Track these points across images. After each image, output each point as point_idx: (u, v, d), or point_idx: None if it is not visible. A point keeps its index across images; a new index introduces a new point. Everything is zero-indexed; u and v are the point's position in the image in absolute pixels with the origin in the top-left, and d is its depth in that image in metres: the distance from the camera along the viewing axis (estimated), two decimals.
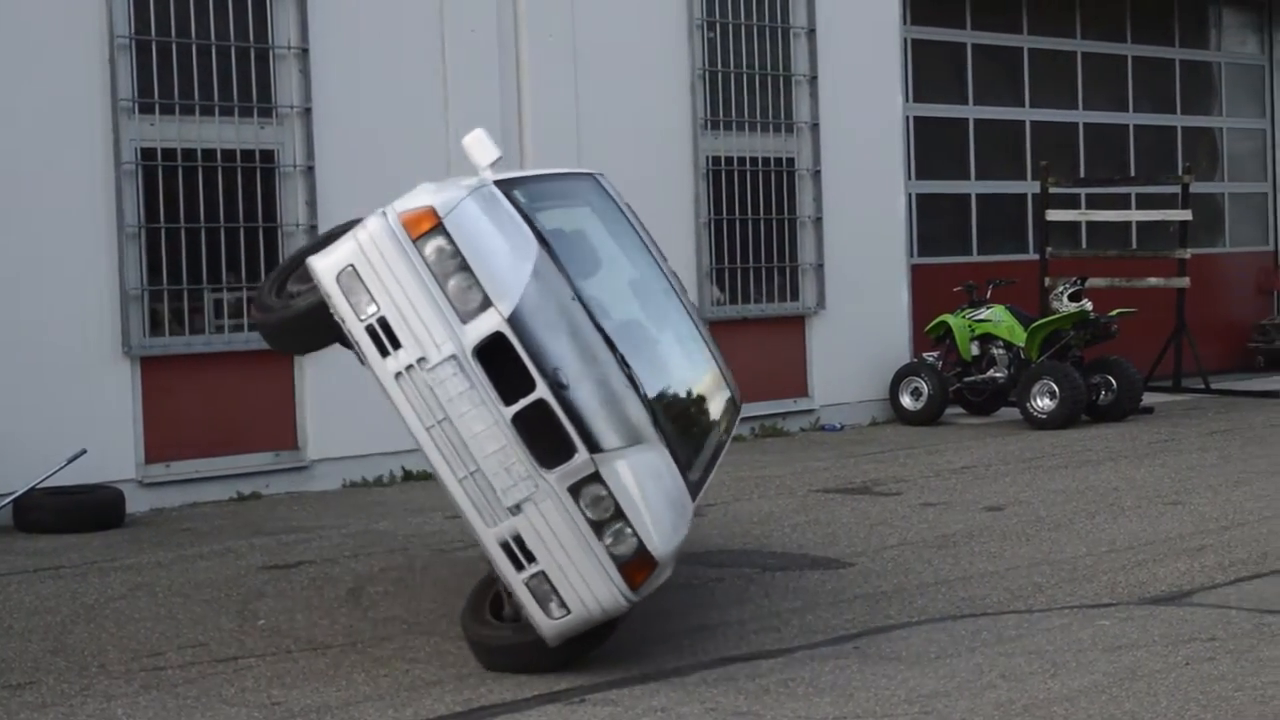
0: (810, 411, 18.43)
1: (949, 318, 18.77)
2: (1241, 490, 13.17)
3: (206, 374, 14.07)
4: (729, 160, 17.86)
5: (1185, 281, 20.29)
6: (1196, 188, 21.88)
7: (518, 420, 7.61)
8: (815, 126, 18.42)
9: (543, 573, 7.72)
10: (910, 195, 20.21)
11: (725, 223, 17.84)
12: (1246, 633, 8.47)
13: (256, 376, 14.23)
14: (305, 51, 14.49)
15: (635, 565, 7.76)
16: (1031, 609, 9.18)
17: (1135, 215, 22.14)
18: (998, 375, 18.50)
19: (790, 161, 18.40)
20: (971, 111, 21.53)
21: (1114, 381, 18.20)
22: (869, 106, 19.13)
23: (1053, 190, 20.40)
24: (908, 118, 20.16)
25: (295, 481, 14.37)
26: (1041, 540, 11.25)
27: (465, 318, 7.69)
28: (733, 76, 17.91)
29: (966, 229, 21.63)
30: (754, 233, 18.09)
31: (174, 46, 13.84)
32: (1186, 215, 20.55)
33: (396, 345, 7.69)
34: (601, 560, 7.72)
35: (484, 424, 7.67)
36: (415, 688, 7.86)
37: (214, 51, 14.15)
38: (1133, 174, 22.86)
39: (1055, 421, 17.56)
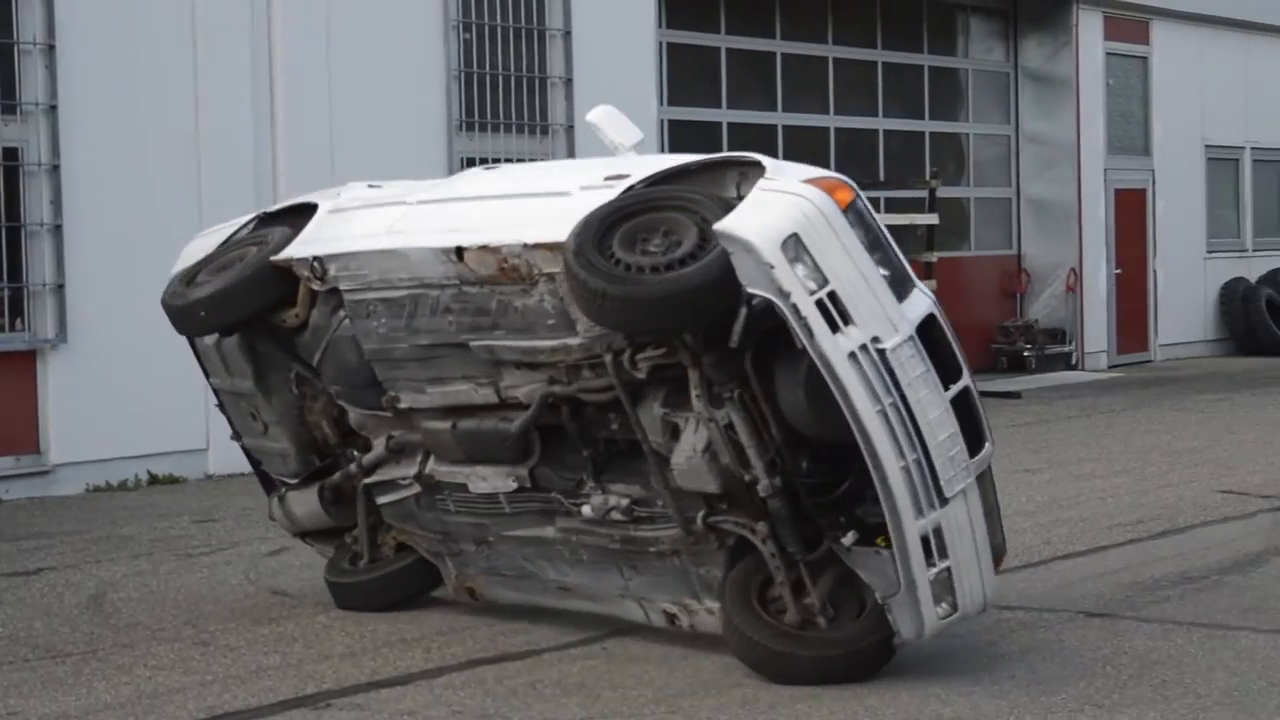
0: None
1: None
2: None
3: None
4: (483, 162, 17.77)
5: (932, 284, 20.64)
6: (943, 192, 22.29)
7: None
8: (570, 129, 18.44)
9: (949, 569, 7.36)
10: None
11: None
12: (986, 628, 8.57)
13: None
14: (51, 48, 14.19)
15: (997, 562, 7.71)
16: None
17: (884, 219, 22.34)
18: None
19: None
20: (725, 115, 21.72)
21: None
22: (624, 109, 18.80)
23: None
24: (662, 121, 20.28)
25: (36, 486, 14.05)
26: None
27: (899, 297, 7.40)
28: (489, 78, 17.88)
29: None
30: None
31: None
32: (933, 219, 20.90)
33: (848, 322, 7.19)
34: (985, 556, 7.55)
35: (938, 409, 7.32)
36: (157, 695, 7.74)
37: None
38: (882, 178, 23.21)
39: None
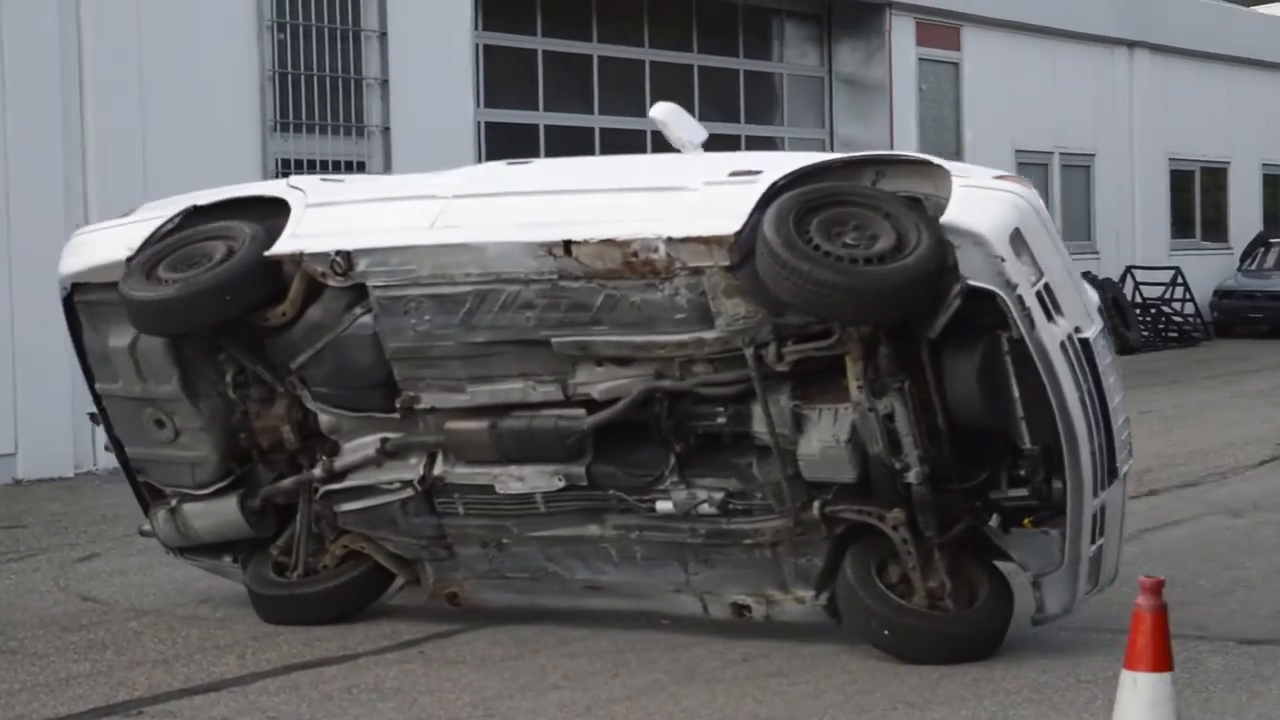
0: None
1: None
2: None
3: None
4: (299, 163, 17.63)
5: None
6: None
7: None
8: (387, 130, 18.35)
9: (1102, 547, 7.91)
10: None
11: None
12: (803, 629, 8.68)
13: None
14: None
15: None
16: (595, 611, 9.25)
17: None
18: None
19: (362, 165, 18.28)
20: (542, 118, 21.71)
21: None
22: (441, 111, 19.14)
23: None
24: (479, 123, 20.23)
25: None
26: None
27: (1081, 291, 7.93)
28: (304, 79, 17.73)
29: None
30: None
31: None
32: None
33: (1059, 312, 7.58)
34: (1121, 533, 8.27)
35: (1119, 395, 7.89)
36: None
37: None
38: None
39: None
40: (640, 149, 22.80)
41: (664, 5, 23.36)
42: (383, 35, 18.31)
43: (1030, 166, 28.67)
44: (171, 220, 8.93)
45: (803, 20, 25.82)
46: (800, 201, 7.65)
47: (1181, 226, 33.20)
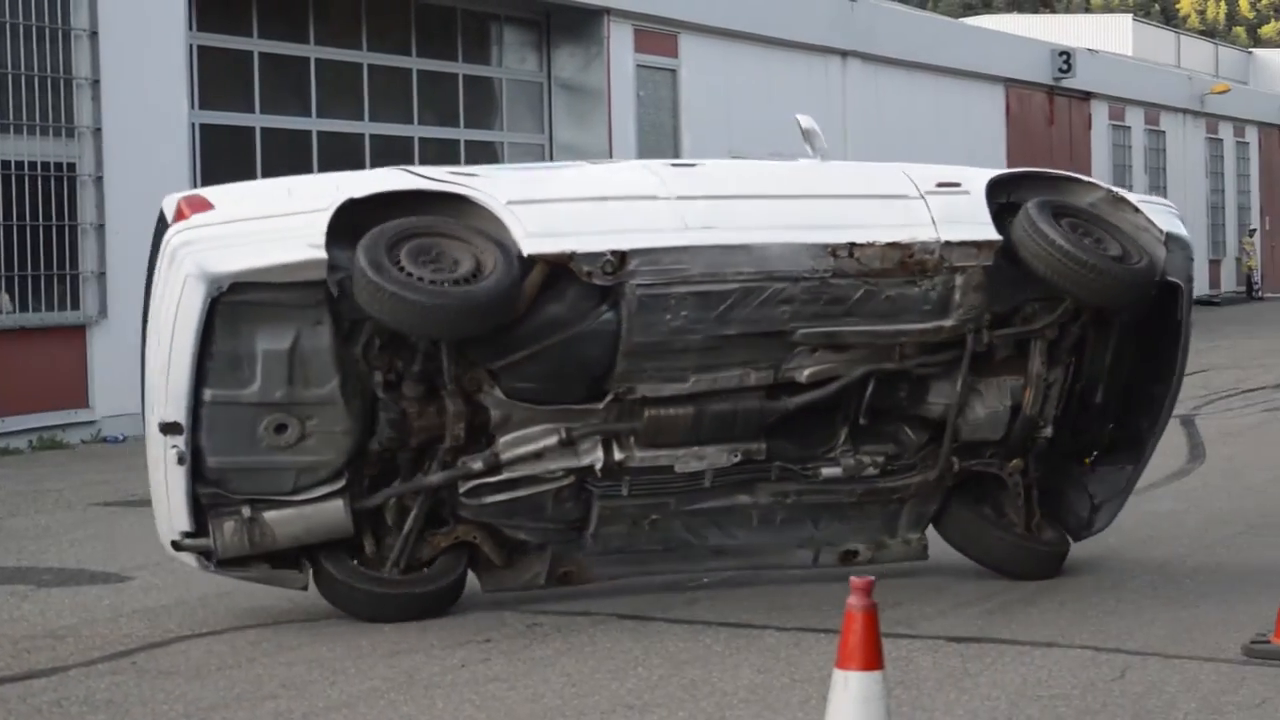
0: (92, 423, 17.97)
1: None
2: None
3: None
4: (4, 165, 17.26)
5: None
6: None
7: None
8: (98, 131, 18.01)
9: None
10: None
11: (1, 229, 17.25)
12: (520, 633, 8.70)
13: None
14: None
15: None
16: (313, 618, 9.17)
17: None
18: None
19: (71, 166, 17.95)
20: (259, 120, 21.47)
21: None
22: (154, 112, 18.83)
23: None
24: (194, 125, 19.95)
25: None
26: None
27: None
28: (10, 78, 17.32)
29: None
30: (32, 240, 17.53)
31: None
32: None
33: None
34: None
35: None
36: None
37: None
38: None
39: None
40: (358, 152, 22.69)
41: (382, 8, 23.25)
42: (93, 34, 17.96)
43: None
44: (320, 211, 8.49)
45: (522, 25, 25.86)
46: (1055, 211, 9.32)
47: None
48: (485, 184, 8.88)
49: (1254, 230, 51.71)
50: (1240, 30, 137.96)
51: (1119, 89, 43.95)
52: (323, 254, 8.31)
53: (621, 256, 8.55)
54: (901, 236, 8.98)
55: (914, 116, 34.12)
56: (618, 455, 8.96)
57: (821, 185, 9.59)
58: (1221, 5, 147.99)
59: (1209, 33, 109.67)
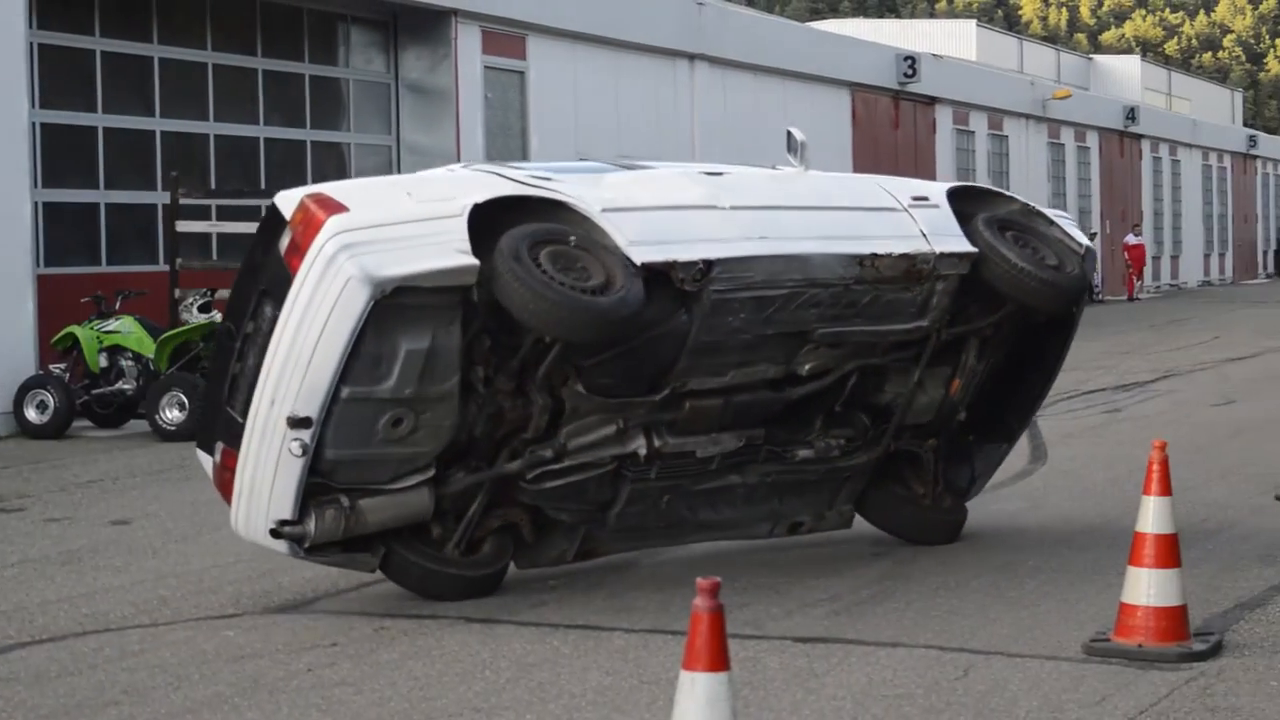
0: None
1: (76, 329, 18.41)
2: None
3: None
4: None
5: None
6: None
7: None
8: None
9: None
10: (37, 204, 19.72)
11: None
12: (367, 637, 8.67)
13: None
14: None
15: None
16: (156, 622, 9.10)
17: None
18: (126, 387, 18.29)
19: None
20: (101, 120, 21.22)
21: None
22: None
23: (183, 201, 20.33)
24: (34, 124, 19.67)
25: None
26: (169, 553, 11.20)
27: None
28: None
29: (96, 239, 21.29)
30: None
31: None
32: None
33: None
34: None
35: None
36: None
37: None
38: (263, 187, 23.06)
39: (184, 433, 17.48)
40: (203, 154, 22.48)
41: (226, 8, 23.04)
42: None
43: None
44: (454, 216, 8.95)
45: (369, 26, 25.73)
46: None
47: None
48: (575, 190, 9.47)
49: (1095, 234, 52.49)
50: (1081, 37, 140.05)
51: (963, 93, 44.48)
52: (475, 260, 8.78)
53: (709, 265, 9.32)
54: (909, 248, 10.02)
55: (761, 119, 34.30)
56: (655, 443, 9.71)
57: (830, 197, 10.49)
58: (1063, 12, 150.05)
59: (1051, 39, 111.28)
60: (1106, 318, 40.56)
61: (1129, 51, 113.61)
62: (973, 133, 45.16)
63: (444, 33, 25.69)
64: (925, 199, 10.47)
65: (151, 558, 11.05)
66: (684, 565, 10.33)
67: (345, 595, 9.79)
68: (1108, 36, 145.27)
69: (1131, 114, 56.85)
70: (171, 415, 17.61)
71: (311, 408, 8.73)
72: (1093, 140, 54.29)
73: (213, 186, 22.44)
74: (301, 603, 9.62)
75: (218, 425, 9.30)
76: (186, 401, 17.50)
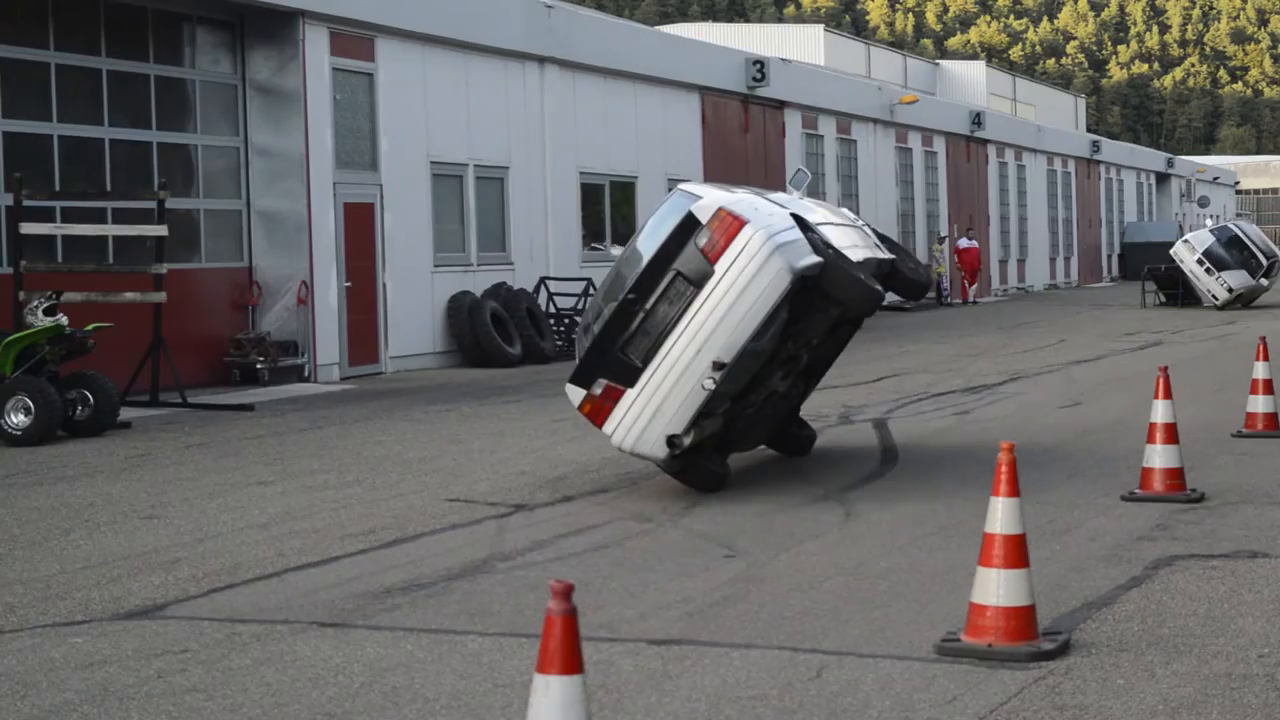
0: None
1: None
2: (216, 502, 13.37)
3: None
4: None
5: (162, 296, 20.36)
6: (172, 203, 22.07)
7: None
8: None
9: None
10: None
11: None
12: (219, 642, 8.59)
13: None
14: None
15: None
16: (2, 630, 8.96)
17: (111, 230, 22.09)
18: None
19: None
20: None
21: (91, 396, 18.07)
22: None
23: (26, 203, 20.05)
24: None
25: None
26: (14, 559, 11.03)
27: None
28: None
29: None
30: None
31: None
32: (162, 231, 20.61)
33: None
34: None
35: None
36: None
37: None
38: (109, 188, 22.79)
39: (31, 438, 17.26)
40: (46, 155, 22.16)
41: (69, 6, 22.73)
42: None
43: (445, 178, 29.02)
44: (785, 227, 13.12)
45: (214, 27, 25.48)
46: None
47: (594, 238, 34.10)
48: (798, 213, 13.58)
49: (944, 238, 53.03)
50: (928, 42, 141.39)
51: (811, 98, 44.77)
52: (821, 259, 13.01)
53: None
54: (886, 257, 14.63)
55: (612, 122, 34.37)
56: (780, 387, 14.11)
57: (832, 214, 14.51)
58: (910, 17, 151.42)
59: (898, 44, 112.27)
60: (954, 320, 40.99)
61: (974, 57, 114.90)
62: (821, 137, 45.45)
63: (291, 34, 25.48)
64: (856, 216, 14.86)
65: None
66: (538, 569, 10.32)
67: (195, 601, 9.69)
68: (953, 42, 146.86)
69: (977, 119, 57.50)
70: (17, 420, 17.35)
71: (729, 355, 12.65)
72: (940, 145, 54.84)
73: (57, 188, 22.13)
74: (151, 608, 9.51)
75: (606, 367, 12.73)
76: (33, 406, 17.25)
